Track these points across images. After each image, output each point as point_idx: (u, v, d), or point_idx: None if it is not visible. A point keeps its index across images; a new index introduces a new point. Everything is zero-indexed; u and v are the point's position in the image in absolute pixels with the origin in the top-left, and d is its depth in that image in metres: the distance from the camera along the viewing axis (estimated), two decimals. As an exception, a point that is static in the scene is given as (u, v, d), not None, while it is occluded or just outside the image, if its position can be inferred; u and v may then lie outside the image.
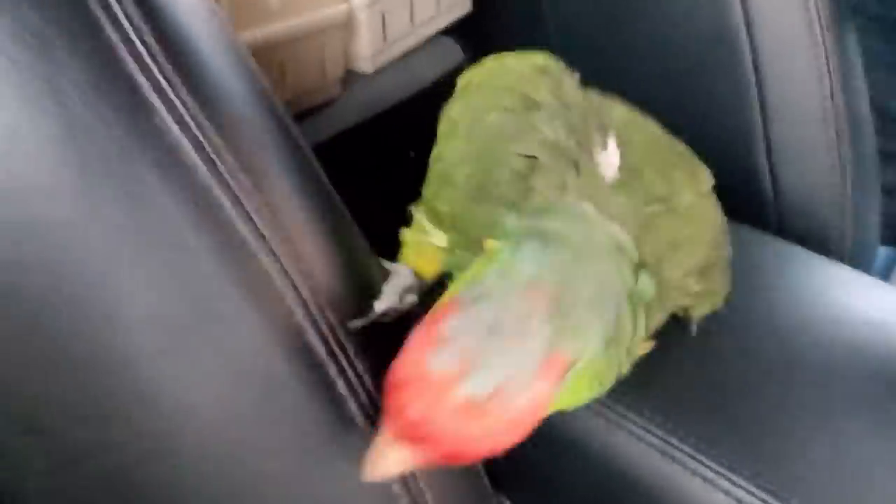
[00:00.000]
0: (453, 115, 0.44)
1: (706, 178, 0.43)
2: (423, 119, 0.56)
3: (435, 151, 0.44)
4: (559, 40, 0.67)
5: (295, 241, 0.29)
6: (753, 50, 0.47)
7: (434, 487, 0.32)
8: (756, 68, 0.47)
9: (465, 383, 0.25)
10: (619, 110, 0.44)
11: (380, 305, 0.39)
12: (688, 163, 0.44)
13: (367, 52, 0.92)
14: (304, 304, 0.29)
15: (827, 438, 0.40)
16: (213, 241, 0.27)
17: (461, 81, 0.48)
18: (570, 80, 0.44)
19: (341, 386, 0.29)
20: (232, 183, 0.27)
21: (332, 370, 0.29)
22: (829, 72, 0.46)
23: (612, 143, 0.39)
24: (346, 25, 0.87)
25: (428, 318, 0.28)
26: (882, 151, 0.58)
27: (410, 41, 0.99)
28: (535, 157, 0.37)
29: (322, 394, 0.29)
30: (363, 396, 0.31)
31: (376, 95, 0.93)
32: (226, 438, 0.28)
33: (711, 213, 0.42)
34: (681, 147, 0.44)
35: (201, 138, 0.26)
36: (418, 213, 0.44)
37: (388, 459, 0.27)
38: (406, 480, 0.31)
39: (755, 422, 0.40)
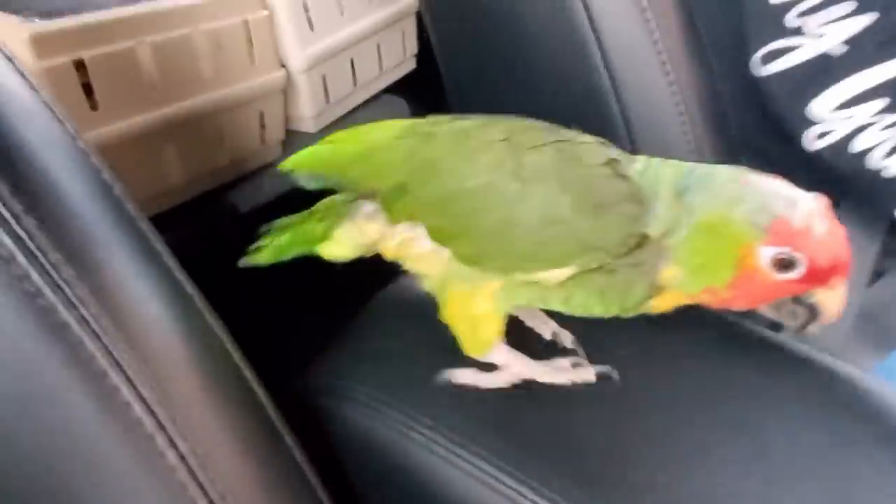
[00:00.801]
0: (476, 187, 0.40)
1: None
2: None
3: (499, 220, 0.40)
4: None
5: (135, 336, 0.30)
6: (622, 107, 0.50)
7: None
8: (623, 112, 0.50)
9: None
10: None
11: None
12: None
13: (308, 114, 0.94)
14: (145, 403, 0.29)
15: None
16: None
17: (414, 161, 0.43)
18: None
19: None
20: (55, 275, 0.28)
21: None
22: (683, 101, 0.49)
23: None
24: (286, 90, 0.90)
25: (797, 250, 0.37)
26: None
27: (354, 100, 1.02)
28: (613, 159, 0.40)
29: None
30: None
31: (320, 155, 0.95)
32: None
33: None
34: None
35: (23, 235, 0.28)
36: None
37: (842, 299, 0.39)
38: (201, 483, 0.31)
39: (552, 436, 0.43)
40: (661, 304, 0.42)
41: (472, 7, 0.56)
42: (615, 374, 0.46)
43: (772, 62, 0.45)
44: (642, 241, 0.40)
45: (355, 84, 1.00)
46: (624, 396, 0.45)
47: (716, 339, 0.50)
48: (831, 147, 0.46)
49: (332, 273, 0.56)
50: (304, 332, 0.58)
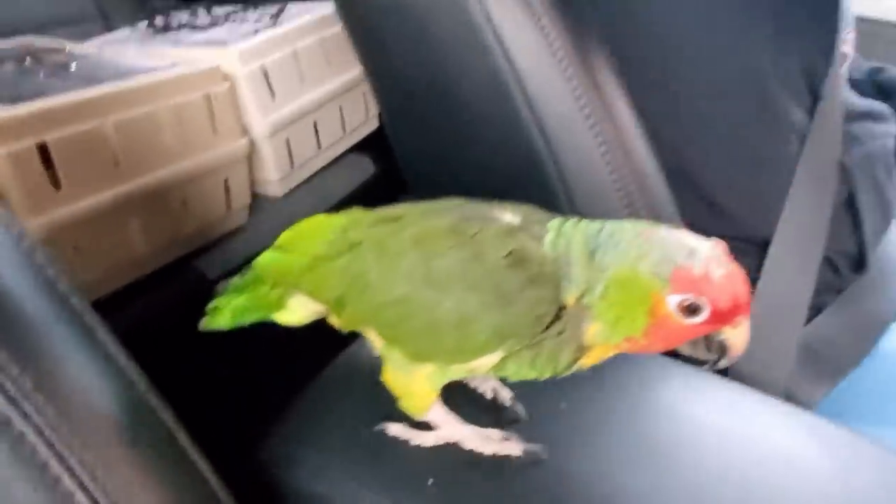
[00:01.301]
0: (399, 298, 0.44)
1: None
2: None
3: (424, 324, 0.43)
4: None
5: (77, 427, 0.31)
6: (559, 169, 0.53)
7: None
8: (563, 182, 0.53)
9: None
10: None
11: None
12: None
13: (274, 178, 0.97)
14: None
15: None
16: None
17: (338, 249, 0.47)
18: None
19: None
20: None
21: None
22: (625, 190, 0.52)
23: None
24: (250, 156, 0.92)
25: (694, 294, 0.40)
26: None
27: (319, 162, 1.05)
28: (514, 249, 0.42)
29: None
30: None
31: (287, 217, 0.97)
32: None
33: None
34: None
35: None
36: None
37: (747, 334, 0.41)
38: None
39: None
40: (590, 359, 0.45)
41: (412, 81, 0.59)
42: (544, 454, 0.48)
43: None
44: (560, 312, 0.42)
45: (319, 146, 1.03)
46: (565, 463, 0.46)
47: (654, 392, 0.51)
48: None
49: (293, 337, 0.57)
50: (262, 399, 0.59)
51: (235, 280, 0.56)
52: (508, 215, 0.45)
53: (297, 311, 0.53)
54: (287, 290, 0.52)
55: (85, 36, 1.16)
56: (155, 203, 0.78)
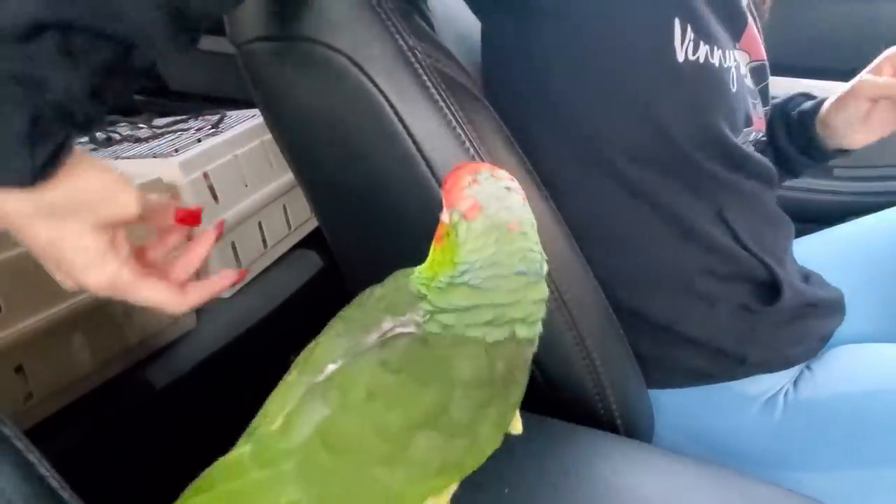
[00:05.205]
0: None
1: None
2: (288, 332, 0.57)
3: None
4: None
5: None
6: None
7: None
8: None
9: None
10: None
11: None
12: None
13: (221, 280, 0.98)
14: None
15: None
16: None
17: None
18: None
19: None
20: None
21: None
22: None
23: None
24: (196, 261, 0.94)
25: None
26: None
27: (266, 261, 1.07)
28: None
29: None
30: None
31: (236, 318, 0.98)
32: None
33: None
34: None
35: None
36: None
37: None
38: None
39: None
40: None
41: (343, 187, 0.62)
42: None
43: None
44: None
45: (265, 245, 1.05)
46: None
47: (591, 467, 0.53)
48: None
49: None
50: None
51: None
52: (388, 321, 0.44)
53: None
54: None
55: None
56: (99, 315, 0.78)
